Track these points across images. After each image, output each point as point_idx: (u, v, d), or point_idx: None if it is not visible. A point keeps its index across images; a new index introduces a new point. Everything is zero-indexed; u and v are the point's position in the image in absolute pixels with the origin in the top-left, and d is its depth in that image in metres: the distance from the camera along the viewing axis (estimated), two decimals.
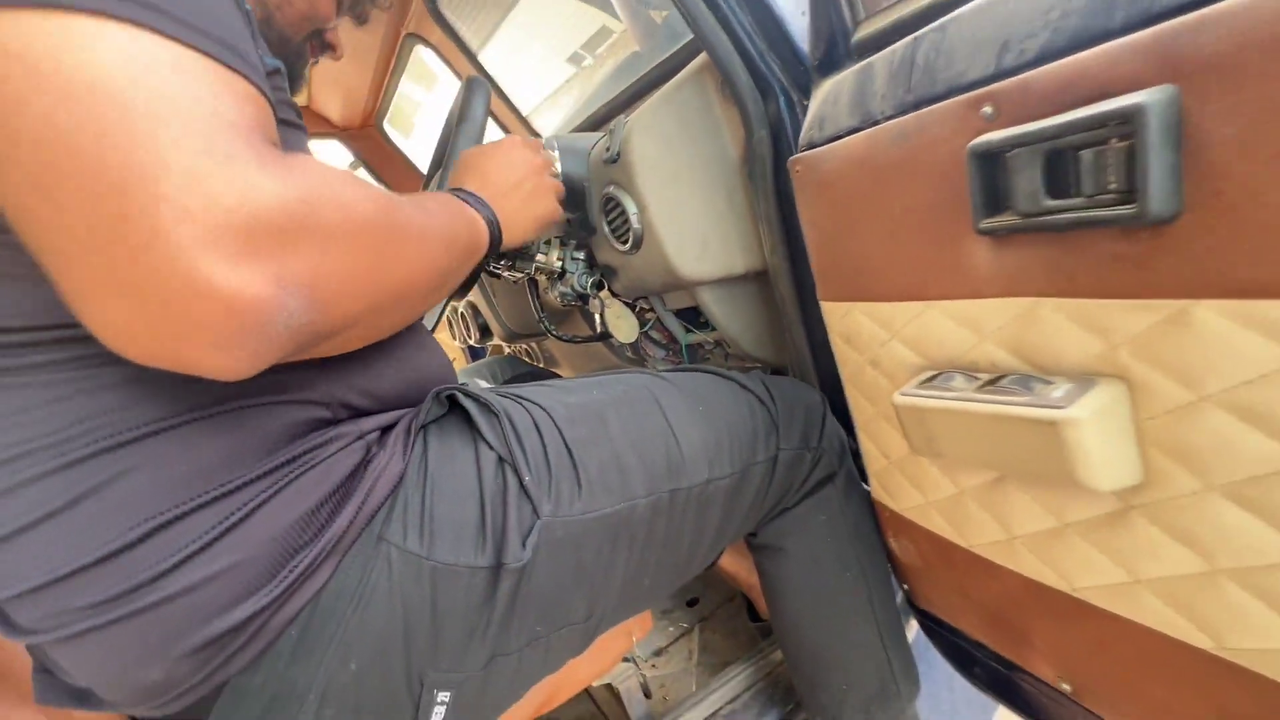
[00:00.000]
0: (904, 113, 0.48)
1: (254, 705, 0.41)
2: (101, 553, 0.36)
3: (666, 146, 0.77)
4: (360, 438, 0.46)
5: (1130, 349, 0.38)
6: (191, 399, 0.38)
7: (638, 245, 0.82)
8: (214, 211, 0.28)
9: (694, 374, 0.68)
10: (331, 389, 0.45)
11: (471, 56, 1.38)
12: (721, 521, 0.62)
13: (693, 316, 1.02)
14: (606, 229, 0.87)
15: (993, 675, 0.64)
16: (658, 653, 1.02)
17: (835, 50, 0.59)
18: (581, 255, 0.97)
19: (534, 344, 1.40)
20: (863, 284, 0.57)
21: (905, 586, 0.72)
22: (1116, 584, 0.44)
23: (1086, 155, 0.36)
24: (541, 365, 1.44)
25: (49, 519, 0.35)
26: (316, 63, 0.73)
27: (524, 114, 1.45)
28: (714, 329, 0.93)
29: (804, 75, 0.70)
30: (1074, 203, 0.37)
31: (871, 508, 0.73)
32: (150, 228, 0.27)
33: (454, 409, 0.54)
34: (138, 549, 0.36)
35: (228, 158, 0.29)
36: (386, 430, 0.49)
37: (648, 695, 0.84)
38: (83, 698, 0.41)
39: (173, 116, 0.28)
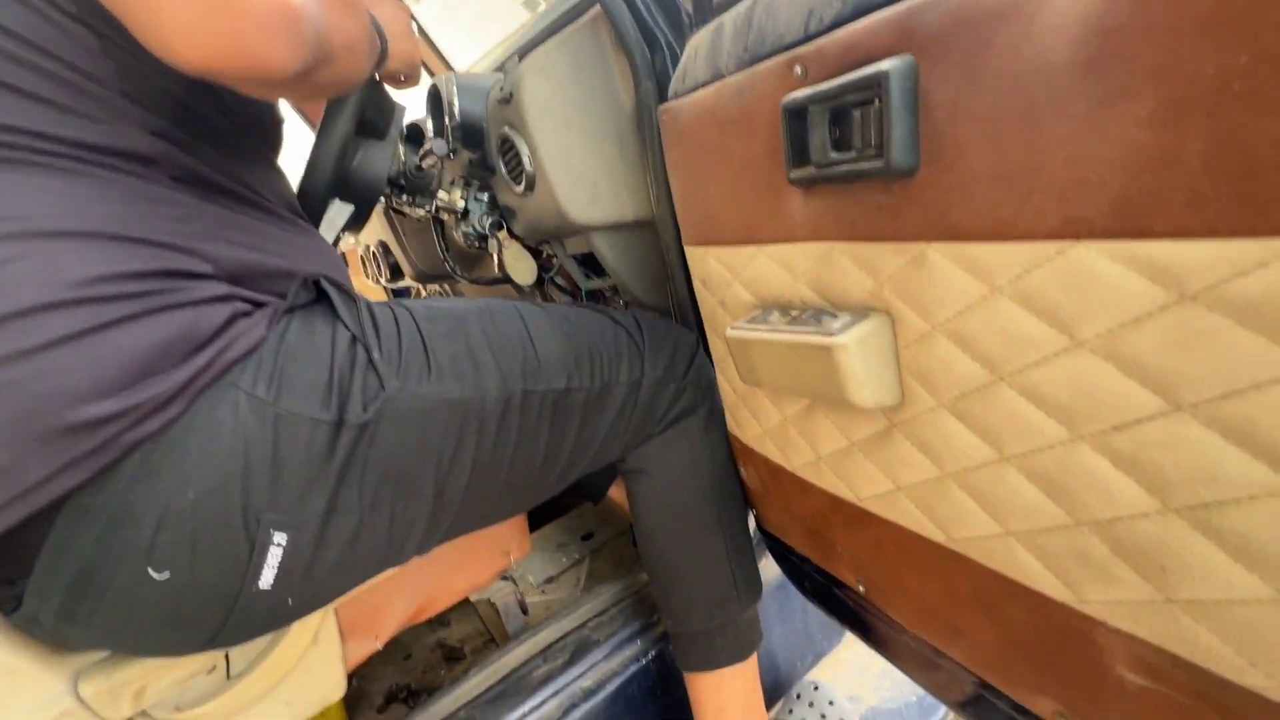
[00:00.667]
0: (742, 69, 0.53)
1: (93, 524, 0.44)
2: None
3: (558, 90, 0.80)
4: (230, 299, 0.49)
5: (890, 286, 0.44)
6: (107, 219, 0.43)
7: (530, 187, 0.85)
8: None
9: (567, 306, 0.73)
10: (220, 252, 0.49)
11: None
12: (580, 433, 0.68)
13: (594, 263, 1.07)
14: (503, 170, 0.89)
15: (817, 587, 0.74)
16: (549, 580, 1.09)
17: (703, 7, 0.63)
18: (484, 196, 1.00)
19: (446, 286, 1.41)
20: (713, 230, 0.63)
21: (754, 511, 0.80)
22: (885, 492, 0.52)
23: (856, 114, 0.41)
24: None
25: None
26: None
27: (446, 56, 1.43)
28: (609, 276, 0.98)
29: (684, 30, 0.74)
30: (848, 155, 0.43)
31: (728, 442, 0.81)
32: None
33: (321, 299, 0.58)
34: (8, 324, 0.39)
35: None
36: (260, 307, 0.52)
37: (524, 611, 0.91)
38: None
39: None
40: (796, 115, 0.47)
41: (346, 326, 0.55)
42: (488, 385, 0.59)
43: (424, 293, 1.59)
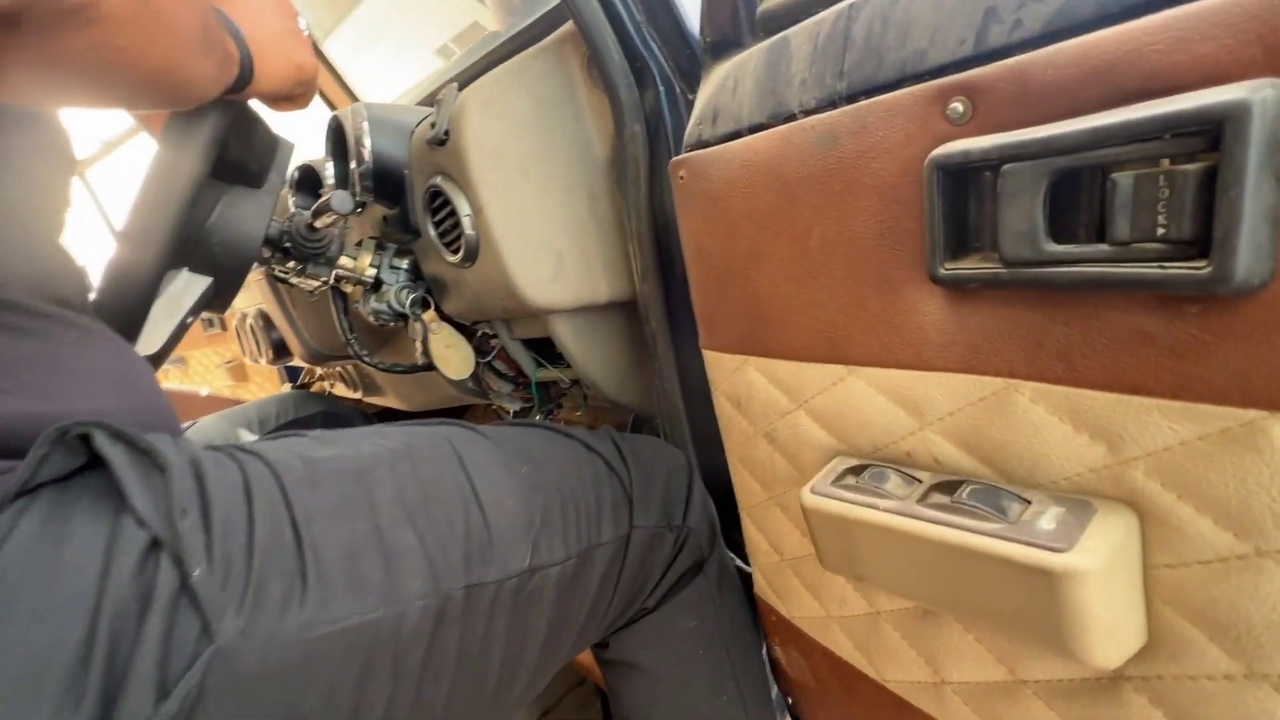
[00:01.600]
0: (833, 106, 0.35)
1: None
2: None
3: (513, 130, 0.59)
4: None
5: (1150, 467, 0.26)
6: None
7: (472, 256, 0.63)
8: None
9: (520, 428, 0.51)
10: None
11: None
12: (552, 629, 0.45)
13: (546, 346, 0.85)
14: (433, 232, 0.66)
15: None
16: None
17: (734, 23, 0.45)
18: (403, 264, 0.76)
19: (349, 366, 1.14)
20: (761, 334, 0.43)
21: (790, 700, 0.59)
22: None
23: (1124, 181, 0.23)
24: (359, 394, 1.17)
25: None
26: None
27: (346, 81, 1.19)
28: (569, 366, 0.76)
29: (690, 60, 0.56)
30: (1095, 251, 0.25)
31: (749, 603, 0.60)
32: None
33: (92, 466, 0.32)
34: None
35: None
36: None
37: None
38: None
39: None
40: (957, 177, 0.29)
41: (140, 520, 0.29)
42: (409, 592, 0.35)
43: (318, 374, 1.28)
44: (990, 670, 0.36)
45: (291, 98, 0.52)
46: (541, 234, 0.61)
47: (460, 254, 0.63)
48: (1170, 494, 0.26)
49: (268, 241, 0.67)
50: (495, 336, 0.84)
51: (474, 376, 0.90)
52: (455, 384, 0.90)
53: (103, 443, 0.31)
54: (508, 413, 1.08)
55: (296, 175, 0.78)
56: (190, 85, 0.39)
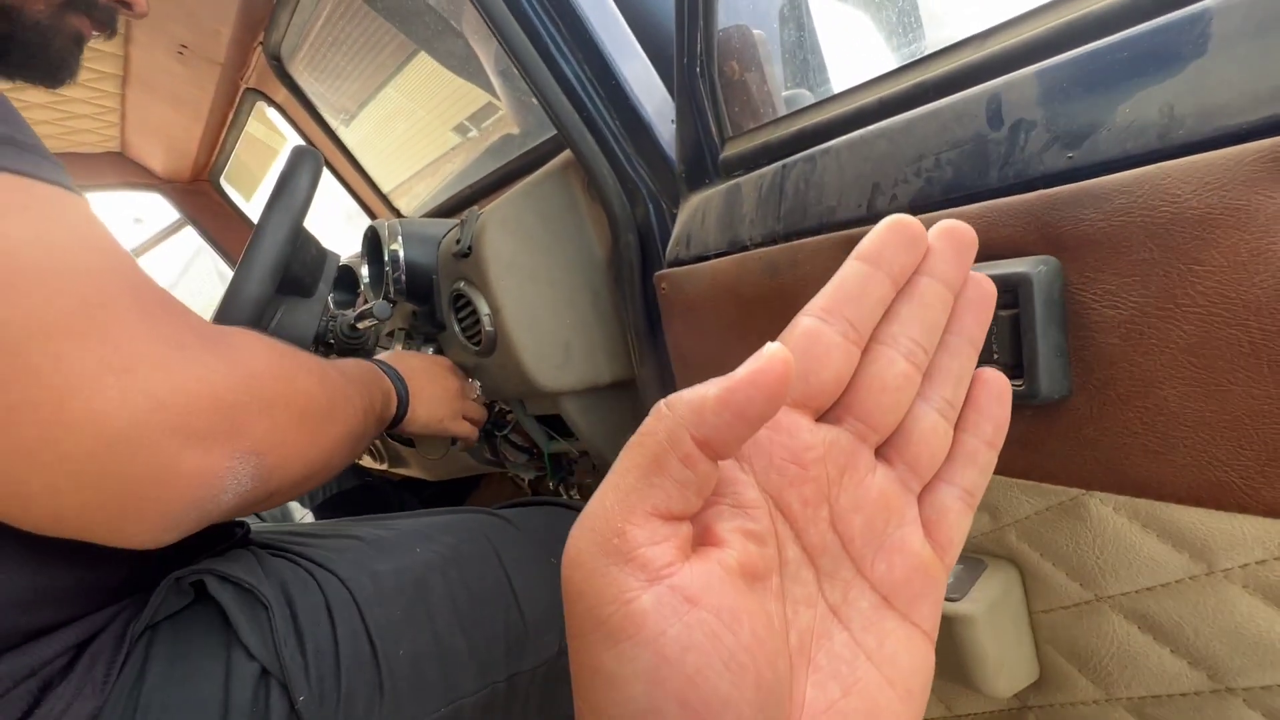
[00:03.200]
0: (774, 242, 0.44)
1: None
2: None
3: (525, 243, 0.70)
4: (21, 681, 0.30)
5: (1020, 531, 0.33)
6: None
7: (490, 349, 0.73)
8: (197, 392, 0.31)
9: (545, 510, 0.59)
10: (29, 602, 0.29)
11: (323, 123, 1.26)
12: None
13: (558, 421, 0.93)
14: (456, 327, 0.76)
15: None
16: None
17: (702, 164, 0.55)
18: (429, 352, 0.86)
19: (376, 442, 1.23)
20: None
21: None
22: None
23: None
24: (385, 465, 1.26)
25: None
26: (99, 36, 0.55)
27: (385, 190, 1.33)
28: (578, 439, 0.84)
29: (672, 182, 0.66)
30: None
31: None
32: (129, 419, 0.28)
33: (204, 597, 0.40)
34: None
35: (198, 338, 0.32)
36: (83, 650, 0.33)
37: None
38: None
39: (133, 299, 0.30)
40: None
41: (250, 654, 0.36)
42: (463, 688, 0.42)
43: None
44: (934, 709, 0.42)
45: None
46: (551, 328, 0.71)
47: (480, 346, 0.73)
48: (1035, 552, 0.33)
49: (314, 339, 0.77)
50: (511, 413, 0.93)
51: (491, 449, 0.99)
52: (477, 453, 0.98)
53: (215, 588, 0.39)
54: (524, 480, 1.16)
55: (336, 274, 0.90)
56: (363, 447, 0.52)
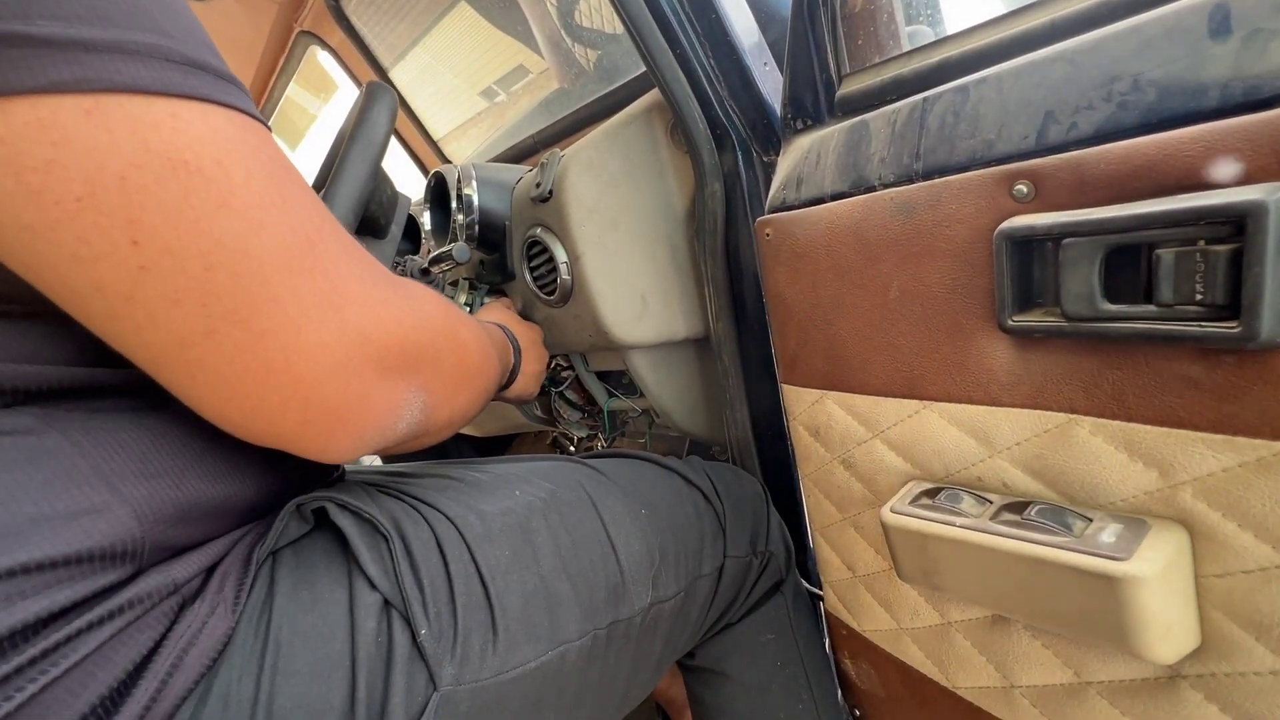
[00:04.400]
0: (910, 181, 0.41)
1: None
2: None
3: (607, 189, 0.67)
4: (166, 597, 0.30)
5: (1197, 490, 0.31)
6: None
7: (565, 298, 0.71)
8: (387, 334, 0.33)
9: (631, 463, 0.57)
10: (116, 527, 0.28)
11: (378, 66, 1.23)
12: (662, 652, 0.51)
13: (616, 378, 0.91)
14: (529, 276, 0.75)
15: None
16: None
17: (815, 104, 0.52)
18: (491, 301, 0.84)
19: None
20: (840, 372, 0.49)
21: (858, 712, 0.63)
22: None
23: (1167, 256, 0.29)
24: None
25: None
26: None
27: (436, 138, 1.30)
28: (641, 395, 0.83)
29: (767, 128, 0.63)
30: (1144, 310, 0.30)
31: (819, 619, 0.64)
32: (344, 349, 0.31)
33: (321, 526, 0.39)
34: None
35: (387, 286, 0.34)
36: (212, 571, 0.33)
37: None
38: None
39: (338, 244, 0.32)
40: (1022, 246, 0.35)
41: (373, 584, 0.36)
42: (569, 633, 0.41)
43: None
44: (1057, 674, 0.40)
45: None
46: (629, 278, 0.69)
47: (554, 295, 0.71)
48: (1216, 513, 0.31)
49: None
50: (568, 369, 0.91)
51: (545, 406, 0.98)
52: (528, 410, 0.97)
53: (335, 515, 0.38)
54: (571, 439, 1.15)
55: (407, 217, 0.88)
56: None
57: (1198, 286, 0.29)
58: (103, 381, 0.30)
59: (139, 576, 0.29)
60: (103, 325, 0.27)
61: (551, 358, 0.90)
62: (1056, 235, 0.33)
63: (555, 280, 0.70)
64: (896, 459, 0.46)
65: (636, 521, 0.49)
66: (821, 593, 0.61)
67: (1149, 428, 0.32)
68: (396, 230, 0.70)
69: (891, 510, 0.43)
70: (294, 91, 1.41)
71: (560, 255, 0.68)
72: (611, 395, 0.89)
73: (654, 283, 0.70)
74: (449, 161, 1.33)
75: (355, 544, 0.36)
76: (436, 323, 0.39)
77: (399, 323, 0.34)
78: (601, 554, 0.45)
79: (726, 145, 0.64)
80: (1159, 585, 0.31)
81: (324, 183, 0.75)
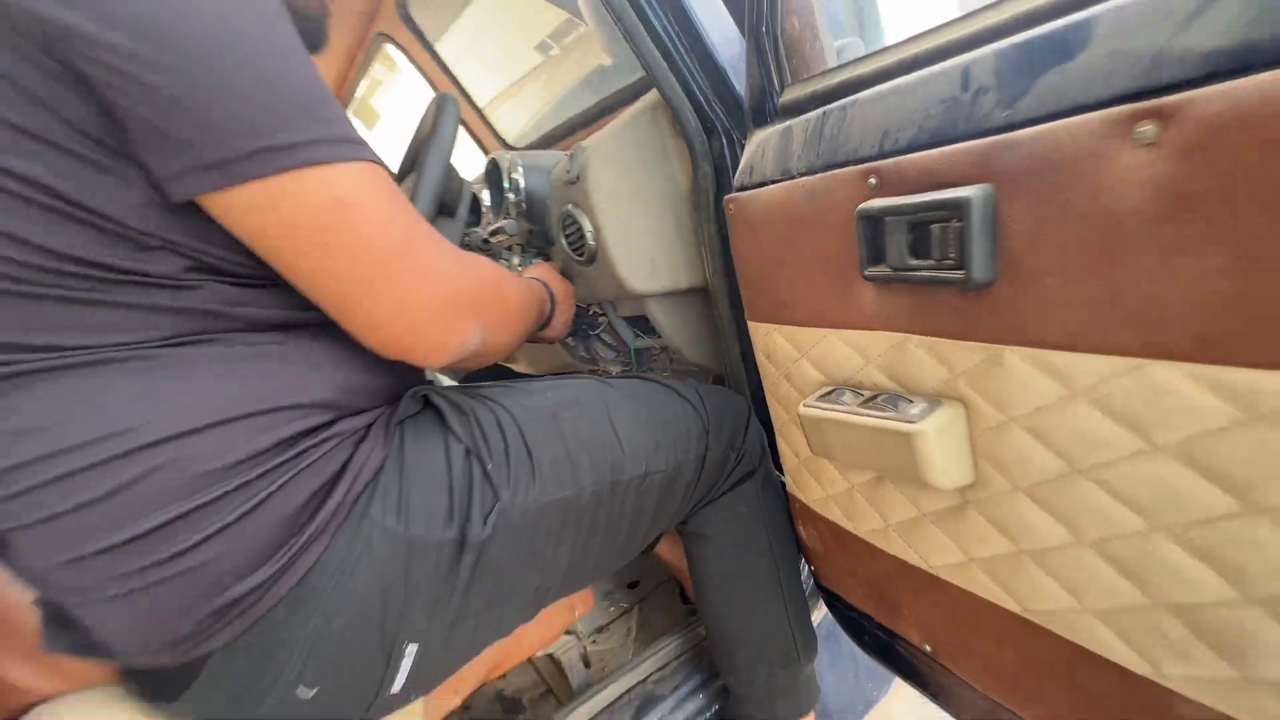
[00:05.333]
0: (814, 173, 0.58)
1: (247, 657, 0.48)
2: (144, 528, 0.43)
3: (622, 173, 0.86)
4: (350, 436, 0.53)
5: (965, 379, 0.49)
6: (221, 408, 0.46)
7: (592, 259, 0.91)
8: (461, 288, 0.54)
9: (638, 382, 0.78)
10: (324, 382, 0.52)
11: (439, 59, 1.43)
12: (656, 510, 0.72)
13: (642, 323, 1.12)
14: (564, 242, 0.95)
15: (878, 642, 0.76)
16: (600, 629, 1.12)
17: (766, 107, 0.69)
18: (541, 263, 1.05)
19: None
20: (780, 310, 0.67)
21: (812, 568, 0.83)
22: (957, 563, 0.56)
23: (935, 229, 0.46)
24: (502, 361, 1.51)
25: (110, 497, 0.42)
26: None
27: (490, 119, 1.51)
28: (659, 335, 1.03)
29: (743, 120, 0.80)
30: (926, 264, 0.48)
31: (786, 500, 0.84)
32: (436, 297, 0.52)
33: (428, 407, 0.62)
34: (170, 527, 0.43)
35: (456, 260, 0.55)
36: (371, 426, 0.56)
37: (587, 665, 0.93)
38: (93, 649, 0.48)
39: (429, 238, 0.53)
40: (871, 221, 0.52)
41: (459, 439, 0.59)
42: (584, 484, 0.63)
43: None
44: (909, 510, 0.59)
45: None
46: (641, 243, 0.88)
47: (584, 257, 0.91)
48: (975, 393, 0.48)
49: None
50: (604, 315, 1.12)
51: (586, 347, 1.19)
52: (574, 350, 1.19)
53: (435, 398, 0.61)
54: (609, 374, 1.36)
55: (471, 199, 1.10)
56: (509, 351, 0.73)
57: (949, 249, 0.46)
58: (311, 320, 0.53)
59: (338, 421, 0.52)
60: (308, 290, 0.49)
61: (588, 307, 1.11)
62: (887, 214, 0.50)
63: (584, 245, 0.90)
64: (815, 371, 0.65)
65: (636, 417, 0.70)
66: (785, 481, 0.81)
67: (940, 339, 0.50)
68: (464, 211, 0.91)
69: (804, 406, 0.62)
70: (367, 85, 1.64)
71: (587, 226, 0.88)
72: (638, 336, 1.09)
73: (661, 245, 0.89)
74: (505, 143, 1.54)
75: (448, 417, 0.59)
76: (488, 282, 0.60)
77: (464, 283, 0.55)
78: (608, 439, 0.67)
79: (714, 135, 0.81)
80: (936, 438, 0.49)
81: (406, 174, 0.97)
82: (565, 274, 1.01)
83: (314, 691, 0.50)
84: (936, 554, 0.58)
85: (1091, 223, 0.38)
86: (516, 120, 1.55)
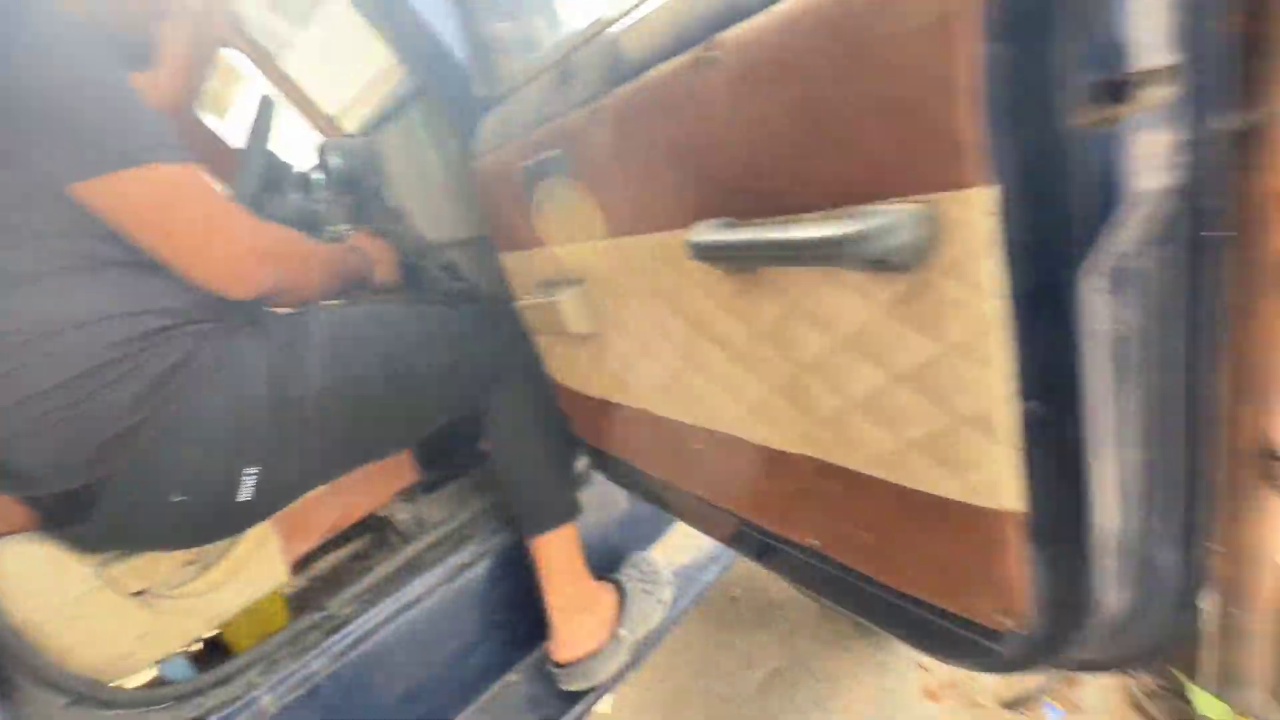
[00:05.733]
0: (503, 147, 0.90)
1: (133, 475, 0.75)
2: (54, 385, 0.70)
3: (410, 152, 1.14)
4: (195, 332, 0.81)
5: (579, 265, 0.82)
6: (108, 310, 0.74)
7: (399, 219, 1.19)
8: (256, 247, 0.82)
9: (434, 306, 1.07)
10: (175, 304, 0.80)
11: (271, 59, 1.64)
12: (442, 393, 1.02)
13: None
14: (378, 209, 1.22)
15: (622, 472, 1.10)
16: (427, 491, 1.38)
17: (487, 103, 0.99)
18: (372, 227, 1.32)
19: None
20: (508, 242, 0.99)
21: (579, 437, 1.17)
22: (614, 385, 0.90)
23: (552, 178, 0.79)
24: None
25: (35, 364, 0.70)
26: None
27: (328, 111, 1.73)
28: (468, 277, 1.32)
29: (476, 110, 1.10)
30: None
31: (551, 383, 1.17)
32: (236, 254, 0.80)
33: (257, 322, 0.89)
34: (74, 383, 0.71)
35: (253, 228, 0.83)
36: (213, 327, 0.83)
37: (419, 525, 1.23)
38: (20, 481, 0.74)
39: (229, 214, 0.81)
40: (529, 175, 0.84)
41: (275, 336, 0.87)
42: (373, 369, 0.92)
43: None
44: (591, 363, 0.92)
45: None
46: (433, 205, 1.17)
47: (394, 219, 1.19)
48: (588, 274, 0.81)
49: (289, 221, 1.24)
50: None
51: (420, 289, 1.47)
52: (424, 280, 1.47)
53: (261, 314, 0.88)
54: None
55: (296, 179, 1.34)
56: (322, 298, 1.00)
57: (558, 188, 0.78)
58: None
59: (189, 324, 0.80)
60: (152, 253, 0.76)
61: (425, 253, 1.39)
62: (535, 171, 0.82)
63: (390, 210, 1.18)
64: (528, 279, 0.97)
65: (422, 323, 1.00)
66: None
67: (567, 245, 0.82)
68: (288, 187, 1.17)
69: (518, 303, 0.94)
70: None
71: (389, 195, 1.16)
72: (454, 279, 1.39)
73: (446, 204, 1.18)
74: (342, 133, 1.76)
75: (270, 324, 0.87)
76: (280, 243, 0.89)
77: (260, 243, 0.82)
78: (397, 338, 0.96)
79: (468, 120, 1.11)
80: (569, 304, 0.82)
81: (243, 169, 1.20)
82: (390, 235, 1.29)
83: (183, 497, 0.78)
84: (597, 384, 0.92)
85: (631, 155, 0.70)
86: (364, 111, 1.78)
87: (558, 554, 1.09)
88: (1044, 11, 0.32)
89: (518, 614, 1.16)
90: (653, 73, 0.57)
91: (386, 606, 1.01)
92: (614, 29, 0.63)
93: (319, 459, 0.89)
